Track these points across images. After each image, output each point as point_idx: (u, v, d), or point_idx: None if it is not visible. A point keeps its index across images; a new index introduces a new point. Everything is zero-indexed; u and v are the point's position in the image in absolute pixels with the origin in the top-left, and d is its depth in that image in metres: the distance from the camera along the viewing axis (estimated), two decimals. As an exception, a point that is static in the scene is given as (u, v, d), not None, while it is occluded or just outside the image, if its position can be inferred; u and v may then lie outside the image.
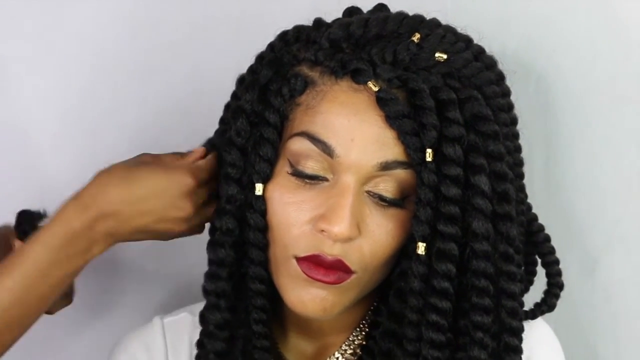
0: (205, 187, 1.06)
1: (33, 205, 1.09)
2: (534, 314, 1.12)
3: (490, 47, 1.06)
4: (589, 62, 1.22)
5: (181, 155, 1.08)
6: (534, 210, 1.12)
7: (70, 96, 1.24)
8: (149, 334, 1.15)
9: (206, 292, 1.05)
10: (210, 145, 1.09)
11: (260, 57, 1.07)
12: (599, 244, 1.26)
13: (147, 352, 1.14)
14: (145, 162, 1.05)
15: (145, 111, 1.26)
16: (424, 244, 0.98)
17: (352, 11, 1.09)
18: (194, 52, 1.27)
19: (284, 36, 1.07)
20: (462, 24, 1.06)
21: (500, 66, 1.06)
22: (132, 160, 1.05)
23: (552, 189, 1.26)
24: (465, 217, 0.98)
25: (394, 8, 1.06)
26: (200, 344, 1.06)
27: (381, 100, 0.98)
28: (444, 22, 1.06)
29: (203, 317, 1.06)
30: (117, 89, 1.25)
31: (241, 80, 1.08)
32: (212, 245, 1.04)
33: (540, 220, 1.12)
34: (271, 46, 1.07)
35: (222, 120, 1.11)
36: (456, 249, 0.98)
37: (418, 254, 0.99)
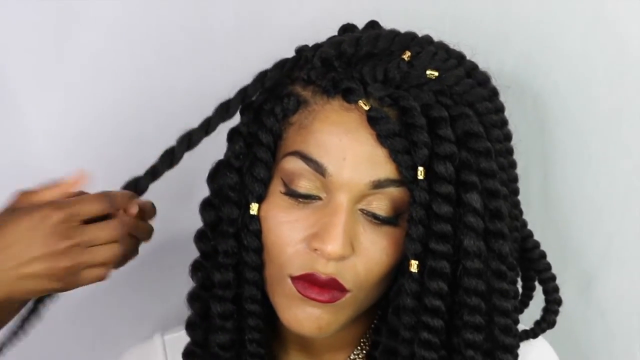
0: (107, 224, 1.02)
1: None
2: (535, 332, 1.12)
3: (488, 64, 1.06)
4: (586, 79, 1.23)
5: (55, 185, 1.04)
6: (529, 227, 1.12)
7: (69, 107, 1.25)
8: (150, 351, 1.16)
9: (201, 315, 1.06)
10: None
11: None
12: (594, 259, 1.26)
13: (147, 371, 1.15)
14: (16, 207, 1.02)
15: (144, 122, 1.27)
16: (417, 262, 0.98)
17: (346, 28, 1.09)
18: (194, 62, 1.27)
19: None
20: (460, 41, 1.06)
21: (495, 82, 1.06)
22: (7, 206, 1.03)
23: (548, 204, 1.26)
24: (458, 235, 0.98)
25: (393, 25, 1.07)
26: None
27: (372, 119, 0.98)
28: (442, 39, 1.06)
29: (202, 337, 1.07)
30: (116, 99, 1.26)
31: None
32: (216, 268, 1.04)
33: (536, 237, 1.12)
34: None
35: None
36: (448, 267, 0.98)
37: (411, 272, 0.99)
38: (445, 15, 1.22)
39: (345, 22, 1.09)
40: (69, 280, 1.02)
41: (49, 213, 1.00)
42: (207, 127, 1.04)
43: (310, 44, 1.06)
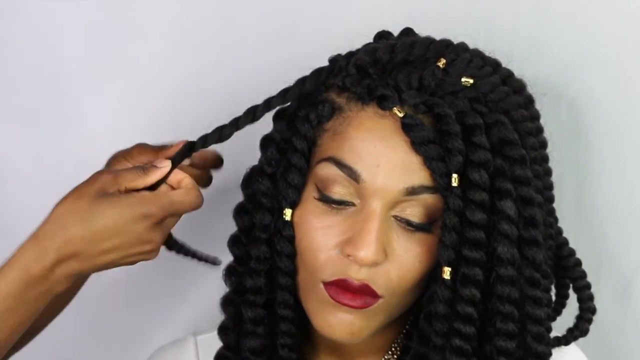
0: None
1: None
2: (567, 340, 1.11)
3: (523, 71, 1.06)
4: (621, 87, 1.23)
5: (143, 170, 1.02)
6: (564, 234, 1.12)
7: (104, 118, 1.27)
8: (183, 351, 1.16)
9: (234, 320, 1.07)
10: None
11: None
12: (629, 268, 1.26)
13: (180, 370, 1.16)
14: (104, 191, 0.99)
15: (178, 132, 1.28)
16: (450, 269, 0.99)
17: (382, 35, 1.10)
18: (227, 73, 1.28)
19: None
20: (495, 49, 1.06)
21: (530, 89, 1.06)
22: (91, 188, 0.99)
23: (583, 213, 1.26)
24: (491, 242, 0.98)
25: (428, 33, 1.07)
26: None
27: (406, 126, 0.98)
28: (478, 46, 1.06)
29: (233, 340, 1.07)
30: (150, 111, 1.28)
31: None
32: (248, 274, 1.05)
33: (570, 244, 1.12)
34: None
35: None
36: (481, 274, 0.98)
37: (443, 279, 0.99)
38: (480, 22, 1.22)
39: (378, 31, 1.10)
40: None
41: (150, 209, 0.99)
42: (236, 124, 1.05)
43: (344, 51, 1.06)
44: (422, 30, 1.09)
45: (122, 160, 1.07)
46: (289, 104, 1.05)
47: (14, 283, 0.96)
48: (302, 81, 1.04)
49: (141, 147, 1.08)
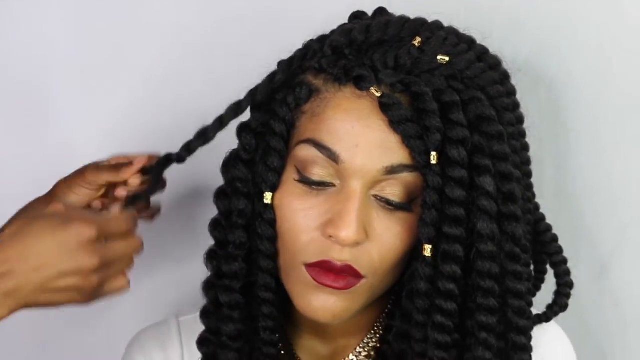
0: (126, 240, 1.02)
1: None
2: (547, 316, 1.12)
3: (503, 51, 1.07)
4: (600, 69, 1.24)
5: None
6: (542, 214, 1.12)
7: (85, 98, 1.28)
8: (165, 333, 1.17)
9: (214, 304, 1.07)
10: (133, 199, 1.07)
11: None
12: (607, 248, 1.27)
13: (163, 352, 1.16)
14: (43, 215, 0.99)
15: (160, 116, 1.29)
16: (430, 246, 0.99)
17: (357, 16, 1.10)
18: (209, 55, 1.28)
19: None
20: (475, 28, 1.07)
21: (505, 65, 1.07)
22: (34, 214, 1.01)
23: (561, 193, 1.27)
24: (471, 218, 0.99)
25: (408, 12, 1.07)
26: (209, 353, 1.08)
27: (384, 106, 0.99)
28: (458, 26, 1.07)
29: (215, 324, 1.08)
30: (132, 92, 1.28)
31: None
32: (224, 258, 1.05)
33: (550, 224, 1.12)
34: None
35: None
36: (461, 250, 0.99)
37: (424, 256, 1.00)
38: (460, 2, 1.22)
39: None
40: (94, 294, 1.01)
41: (83, 229, 0.98)
42: (220, 123, 1.05)
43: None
44: (403, 9, 1.08)
45: (76, 181, 1.09)
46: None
47: None
48: (272, 76, 1.04)
49: (93, 168, 1.09)
